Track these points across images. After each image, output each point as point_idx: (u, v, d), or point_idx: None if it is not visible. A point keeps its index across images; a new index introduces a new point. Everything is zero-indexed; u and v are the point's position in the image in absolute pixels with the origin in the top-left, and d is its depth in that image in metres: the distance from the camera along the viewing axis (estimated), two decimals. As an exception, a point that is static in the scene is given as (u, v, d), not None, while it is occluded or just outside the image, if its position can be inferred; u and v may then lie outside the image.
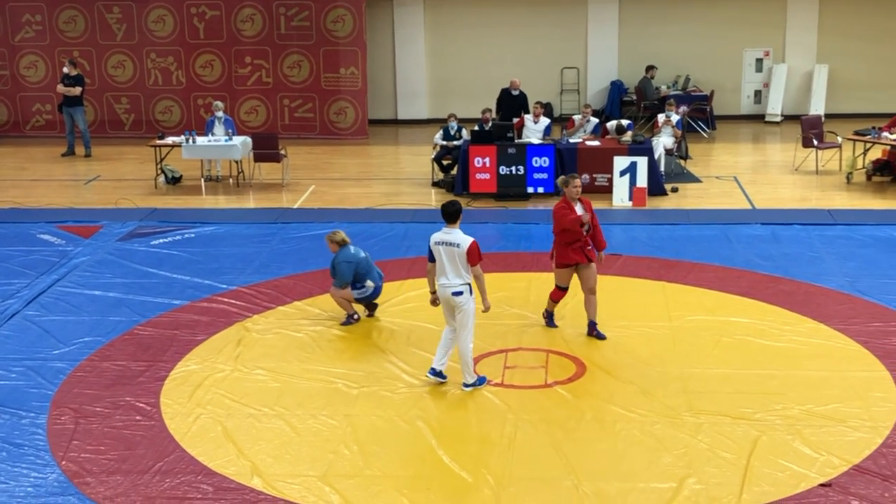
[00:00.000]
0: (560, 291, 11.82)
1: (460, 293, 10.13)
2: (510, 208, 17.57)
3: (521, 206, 17.76)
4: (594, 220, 11.52)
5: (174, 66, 24.44)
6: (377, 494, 8.50)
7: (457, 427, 9.66)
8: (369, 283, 12.26)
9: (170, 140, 19.75)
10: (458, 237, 10.16)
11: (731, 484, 8.52)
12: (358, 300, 12.33)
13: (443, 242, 10.19)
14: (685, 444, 9.23)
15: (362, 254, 12.39)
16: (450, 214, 10.29)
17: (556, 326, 11.95)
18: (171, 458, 9.12)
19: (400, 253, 14.84)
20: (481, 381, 10.45)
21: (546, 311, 12.08)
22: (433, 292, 10.46)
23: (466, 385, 10.36)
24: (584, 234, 11.38)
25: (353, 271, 12.16)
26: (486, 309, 10.45)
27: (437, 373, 10.44)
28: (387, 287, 13.15)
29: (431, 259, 10.33)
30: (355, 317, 12.26)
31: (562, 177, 11.71)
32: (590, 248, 11.54)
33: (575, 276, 11.65)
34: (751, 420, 9.60)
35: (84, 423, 9.80)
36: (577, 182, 11.44)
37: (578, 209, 11.41)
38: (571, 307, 12.63)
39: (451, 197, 18.20)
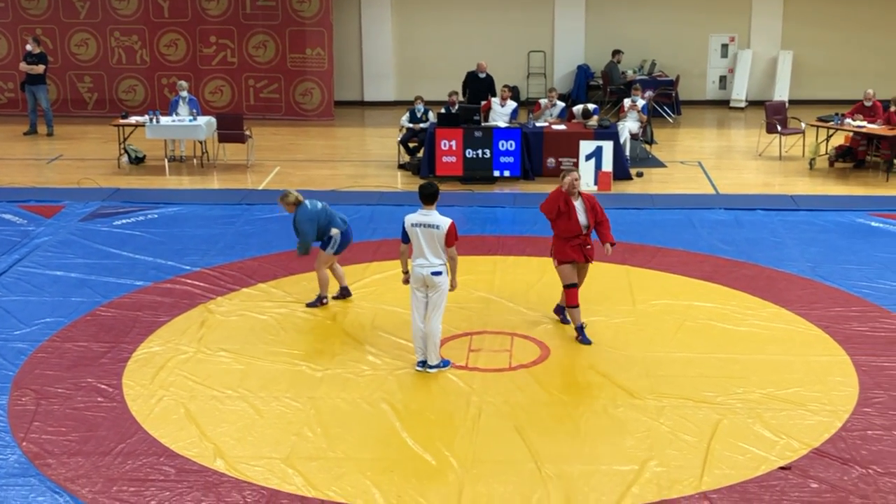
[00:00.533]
0: (571, 290, 11.10)
1: (439, 273, 10.20)
2: (476, 192, 17.58)
3: (487, 190, 17.77)
4: (600, 215, 11.21)
5: (138, 44, 24.24)
6: (340, 477, 8.50)
7: (421, 410, 9.67)
8: (334, 231, 12.08)
9: (133, 119, 19.60)
10: (437, 218, 10.17)
11: (692, 466, 8.59)
12: (338, 254, 12.16)
13: (420, 224, 10.17)
14: (647, 426, 9.29)
15: (319, 205, 12.18)
16: (428, 196, 10.25)
17: (589, 342, 11.06)
18: (133, 439, 9.08)
19: (366, 235, 14.80)
20: (445, 363, 10.46)
21: (558, 306, 11.61)
22: (405, 272, 10.46)
23: (431, 366, 10.38)
24: (583, 232, 11.10)
25: (316, 227, 12.03)
26: (453, 288, 10.45)
27: (423, 363, 10.44)
28: (352, 270, 13.14)
29: (405, 240, 10.29)
30: (324, 300, 12.22)
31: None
32: (589, 247, 11.19)
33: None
34: (712, 403, 9.68)
35: (45, 404, 9.73)
36: (573, 176, 11.15)
37: (578, 207, 11.13)
38: (537, 291, 12.67)
39: (417, 179, 18.23)
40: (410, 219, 10.25)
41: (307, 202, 12.12)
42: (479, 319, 11.76)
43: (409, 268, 10.37)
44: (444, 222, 10.15)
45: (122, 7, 24.01)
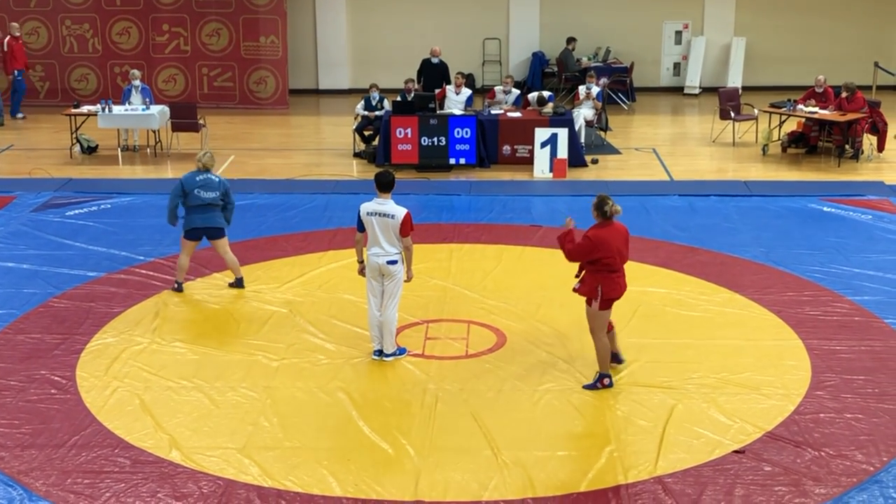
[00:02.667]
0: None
1: (395, 262, 10.15)
2: (432, 179, 17.57)
3: (442, 178, 17.76)
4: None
5: (90, 33, 23.98)
6: (297, 466, 8.48)
7: (377, 398, 9.67)
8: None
9: (85, 109, 19.39)
10: (393, 208, 10.07)
11: (648, 451, 8.65)
12: (189, 240, 12.18)
13: (376, 213, 10.08)
14: (602, 412, 9.35)
15: (199, 177, 11.99)
16: (384, 184, 10.15)
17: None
18: (87, 431, 9.00)
19: (321, 224, 14.76)
20: (401, 351, 10.46)
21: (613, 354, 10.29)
22: (361, 262, 10.39)
23: (387, 355, 10.37)
24: None
25: (174, 196, 11.98)
26: (409, 279, 10.40)
27: (380, 352, 10.40)
28: (308, 258, 13.11)
29: (361, 229, 10.18)
30: (176, 286, 12.27)
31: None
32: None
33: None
34: (667, 388, 9.75)
35: (-3, 397, 9.64)
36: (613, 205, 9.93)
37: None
38: (493, 278, 12.69)
39: (373, 168, 18.20)
40: (366, 207, 10.17)
41: (194, 172, 12.05)
42: (435, 307, 11.77)
43: (365, 257, 10.30)
44: (400, 212, 10.06)
45: (73, -5, 23.76)
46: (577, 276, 9.99)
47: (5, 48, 22.31)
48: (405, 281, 10.40)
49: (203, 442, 8.85)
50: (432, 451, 8.69)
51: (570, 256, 9.77)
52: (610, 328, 10.09)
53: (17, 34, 22.53)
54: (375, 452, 8.70)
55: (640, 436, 8.93)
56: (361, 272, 10.46)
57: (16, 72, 22.37)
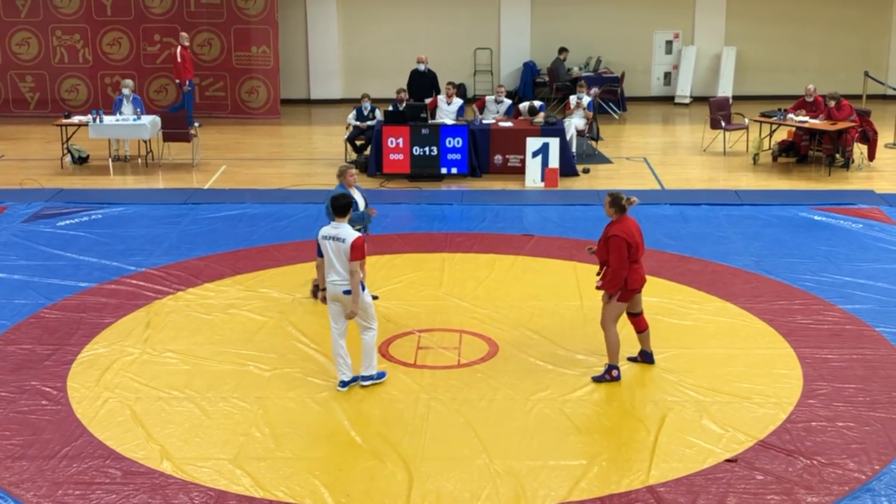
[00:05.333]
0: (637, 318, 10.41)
1: (350, 292, 9.64)
2: (424, 189, 17.57)
3: (434, 187, 17.77)
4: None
5: (81, 43, 23.96)
6: (289, 477, 8.46)
7: (369, 408, 9.65)
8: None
9: (76, 119, 19.37)
10: (345, 232, 9.63)
11: (640, 461, 8.64)
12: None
13: (330, 237, 9.68)
14: (595, 421, 9.35)
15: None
16: (339, 208, 9.73)
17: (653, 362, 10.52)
18: (78, 442, 8.98)
19: (313, 234, 14.55)
20: (380, 375, 10.11)
21: (642, 351, 10.54)
22: (323, 289, 10.00)
23: (364, 377, 9.99)
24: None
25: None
26: (351, 315, 9.73)
27: (346, 383, 9.97)
28: (299, 269, 13.11)
29: (320, 253, 9.92)
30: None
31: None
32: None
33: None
34: (659, 397, 9.75)
35: (-12, 408, 9.60)
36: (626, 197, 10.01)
37: None
38: (485, 287, 12.69)
39: (365, 178, 18.22)
40: (323, 231, 9.79)
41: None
42: (427, 317, 11.76)
43: (328, 284, 9.86)
44: (350, 236, 9.60)
45: (63, 5, 23.72)
46: (598, 274, 10.12)
47: (178, 58, 22.32)
48: (347, 316, 9.77)
49: (194, 453, 8.83)
50: (424, 460, 8.68)
51: (621, 266, 9.83)
52: (644, 327, 10.34)
53: (187, 43, 22.52)
54: (367, 462, 8.68)
55: (633, 445, 8.93)
56: (323, 299, 10.05)
57: (188, 81, 22.46)
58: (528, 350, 10.85)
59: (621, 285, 9.92)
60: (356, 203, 11.67)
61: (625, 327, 10.42)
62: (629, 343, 10.52)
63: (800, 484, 8.26)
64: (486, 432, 9.14)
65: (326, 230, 9.78)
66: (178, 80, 22.54)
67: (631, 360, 10.48)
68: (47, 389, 9.97)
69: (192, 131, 19.27)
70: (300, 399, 9.78)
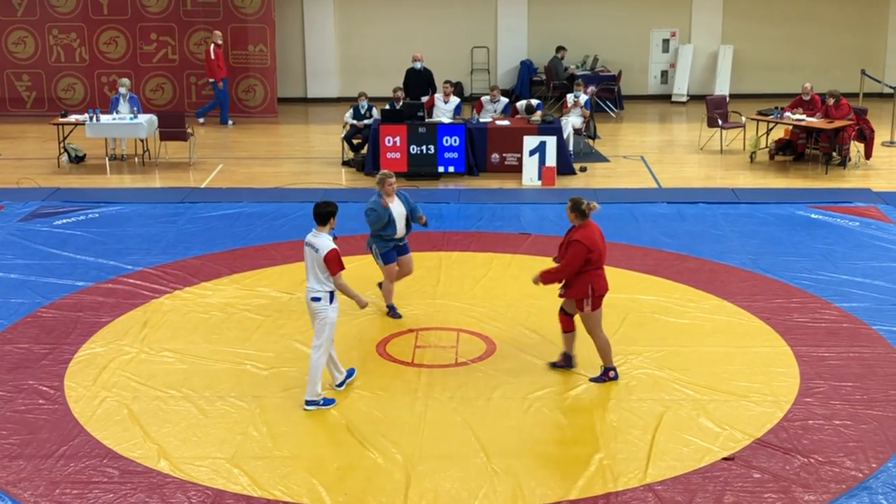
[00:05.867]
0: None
1: (318, 299, 9.41)
2: (421, 188, 17.56)
3: (431, 186, 17.76)
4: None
5: (77, 42, 23.92)
6: (286, 475, 8.46)
7: (366, 407, 9.64)
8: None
9: (73, 118, 19.35)
10: (321, 241, 9.36)
11: (637, 459, 8.65)
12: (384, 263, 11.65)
13: (308, 244, 9.47)
14: (592, 420, 9.35)
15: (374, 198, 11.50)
16: (318, 216, 9.46)
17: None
18: (75, 442, 8.97)
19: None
20: (326, 402, 9.62)
21: (565, 354, 10.43)
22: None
23: (308, 403, 9.56)
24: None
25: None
26: (362, 305, 9.73)
27: (350, 373, 10.03)
28: (296, 267, 13.07)
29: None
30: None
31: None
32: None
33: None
34: (656, 396, 9.76)
35: (-15, 407, 9.60)
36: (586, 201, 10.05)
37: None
38: (482, 286, 12.70)
39: (362, 176, 18.23)
40: (307, 236, 9.54)
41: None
42: (424, 315, 11.76)
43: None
44: (325, 247, 9.30)
45: (60, 4, 23.68)
46: (560, 282, 10.00)
47: (212, 56, 22.42)
48: (360, 307, 9.73)
49: (192, 452, 8.83)
50: (422, 459, 8.68)
51: (569, 268, 9.77)
52: (571, 328, 10.20)
53: (220, 42, 22.65)
54: (365, 461, 8.68)
55: (630, 443, 8.93)
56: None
57: (221, 80, 22.61)
58: (525, 349, 10.86)
59: (556, 280, 9.87)
60: (392, 218, 11.36)
61: (619, 329, 10.41)
62: (584, 351, 10.51)
63: (797, 482, 8.27)
64: (484, 431, 9.15)
65: (308, 236, 9.51)
66: (211, 79, 22.68)
67: (553, 365, 10.33)
68: (44, 388, 9.97)
69: (190, 130, 19.25)
70: (297, 398, 9.76)
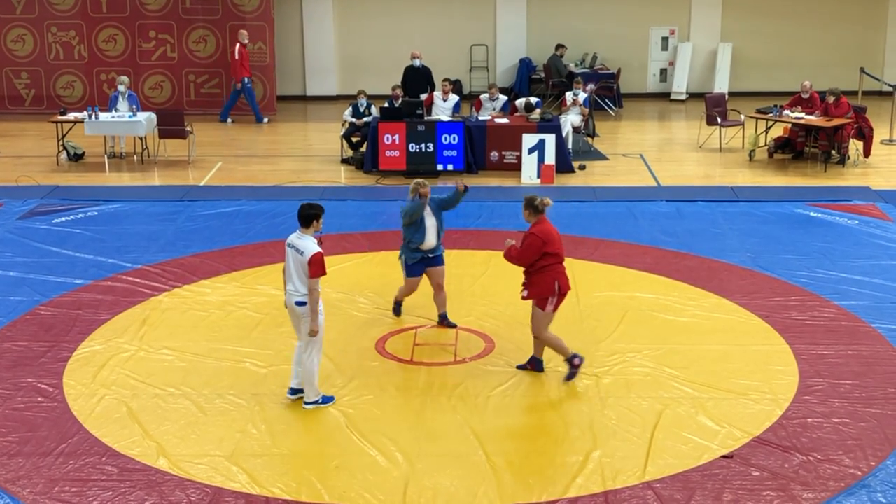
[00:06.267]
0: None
1: (304, 303, 9.30)
2: (419, 185, 17.53)
3: (430, 184, 17.65)
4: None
5: (76, 40, 23.90)
6: (285, 473, 8.47)
7: (365, 404, 9.64)
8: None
9: (72, 116, 19.34)
10: (306, 244, 9.24)
11: (636, 457, 8.65)
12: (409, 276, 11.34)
13: (292, 246, 9.33)
14: (591, 418, 9.35)
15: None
16: (302, 218, 9.35)
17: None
18: (74, 439, 8.98)
19: (308, 230, 14.72)
20: (326, 400, 9.64)
21: (534, 358, 10.39)
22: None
23: (308, 403, 9.55)
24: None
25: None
26: (312, 333, 9.34)
27: (295, 391, 9.70)
28: (295, 265, 13.07)
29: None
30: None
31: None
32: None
33: None
34: (655, 394, 9.76)
35: (-16, 405, 9.60)
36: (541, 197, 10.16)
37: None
38: (481, 284, 12.69)
39: (361, 174, 18.23)
40: (289, 238, 9.42)
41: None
42: (423, 313, 11.75)
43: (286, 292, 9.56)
44: (310, 250, 9.17)
45: (59, 2, 23.64)
46: (522, 284, 9.98)
47: (237, 56, 22.50)
48: (310, 334, 9.38)
49: (191, 449, 8.83)
50: (421, 457, 8.69)
51: (523, 258, 9.87)
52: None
53: (246, 41, 22.76)
54: (364, 459, 8.68)
55: (629, 441, 8.93)
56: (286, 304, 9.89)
57: (244, 79, 22.66)
58: (524, 347, 10.83)
59: (513, 260, 9.92)
60: (424, 224, 11.05)
61: (618, 328, 10.40)
62: (584, 352, 10.50)
63: (796, 480, 8.28)
64: (483, 429, 9.15)
65: (291, 237, 9.39)
66: (233, 78, 22.75)
67: (521, 367, 10.30)
68: (43, 386, 9.97)
69: (189, 127, 19.25)
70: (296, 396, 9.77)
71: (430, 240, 11.07)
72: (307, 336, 9.39)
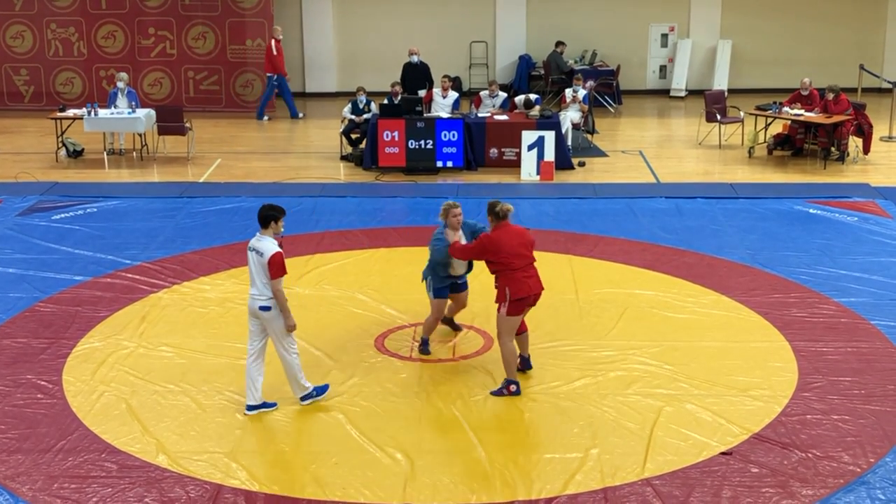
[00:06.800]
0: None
1: (268, 308, 9.15)
2: (419, 182, 17.56)
3: (430, 181, 17.75)
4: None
5: (75, 36, 23.89)
6: (285, 470, 8.47)
7: (365, 402, 9.64)
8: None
9: (71, 112, 19.34)
10: (265, 245, 9.06)
11: (635, 453, 8.66)
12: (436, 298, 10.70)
13: (252, 249, 9.16)
14: (590, 414, 9.35)
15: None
16: (261, 219, 9.15)
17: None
18: (73, 436, 8.98)
19: (308, 227, 14.75)
20: (319, 390, 9.54)
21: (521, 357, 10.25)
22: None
23: (303, 399, 9.47)
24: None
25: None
26: (290, 329, 9.24)
27: (253, 407, 9.41)
28: (295, 262, 13.08)
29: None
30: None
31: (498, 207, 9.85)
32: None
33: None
34: (654, 391, 9.76)
35: (-17, 402, 9.60)
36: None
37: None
38: (480, 281, 12.67)
39: (360, 171, 18.24)
40: (250, 241, 9.27)
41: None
42: (423, 310, 11.69)
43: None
44: (269, 251, 9.01)
45: (58, -2, 23.68)
46: (495, 286, 9.87)
47: (274, 51, 22.56)
48: (287, 331, 9.28)
49: (190, 446, 8.83)
50: (420, 454, 8.69)
51: (463, 253, 10.01)
52: (522, 329, 10.05)
53: (280, 37, 22.88)
54: (363, 456, 8.68)
55: (628, 438, 8.94)
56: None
57: (279, 76, 22.79)
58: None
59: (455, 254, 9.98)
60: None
61: (617, 324, 10.38)
62: (585, 352, 10.51)
63: (795, 477, 8.28)
64: (482, 425, 9.15)
65: (252, 241, 9.23)
66: (269, 74, 22.83)
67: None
68: (43, 383, 9.97)
69: (188, 124, 19.25)
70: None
71: (458, 268, 10.57)
72: (279, 335, 9.23)
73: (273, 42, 22.67)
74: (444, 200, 16.02)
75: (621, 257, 13.43)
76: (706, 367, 10.24)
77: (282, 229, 9.27)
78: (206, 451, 8.74)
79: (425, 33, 24.90)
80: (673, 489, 8.12)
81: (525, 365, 10.21)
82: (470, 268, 10.66)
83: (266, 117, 23.15)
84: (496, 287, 9.80)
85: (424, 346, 10.65)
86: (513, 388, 9.74)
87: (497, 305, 9.76)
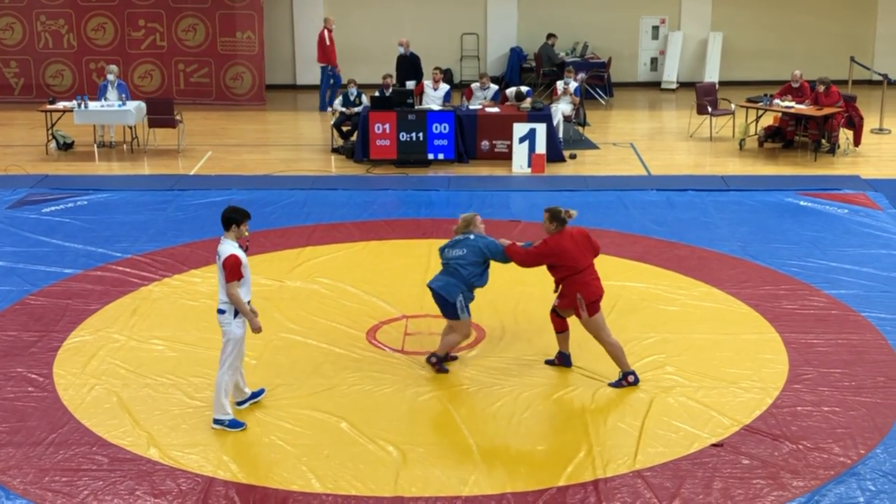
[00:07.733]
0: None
1: (222, 311, 8.88)
2: (410, 175, 17.55)
3: (421, 173, 17.74)
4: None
5: (65, 28, 23.80)
6: (276, 463, 8.47)
7: (356, 394, 9.65)
8: None
9: (61, 105, 19.27)
10: (223, 248, 8.82)
11: (626, 446, 8.67)
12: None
13: (217, 252, 8.96)
14: (581, 407, 9.37)
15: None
16: (222, 221, 8.91)
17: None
18: (64, 429, 8.96)
19: (299, 220, 14.73)
20: (233, 425, 8.98)
21: (562, 353, 10.28)
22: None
23: (216, 422, 8.98)
24: None
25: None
26: (256, 330, 8.99)
27: (253, 395, 9.43)
28: (287, 254, 13.08)
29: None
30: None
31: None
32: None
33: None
34: (645, 383, 9.77)
35: (-27, 395, 9.57)
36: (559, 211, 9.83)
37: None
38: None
39: (352, 163, 18.21)
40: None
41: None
42: (414, 303, 11.75)
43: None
44: (224, 252, 8.76)
45: (47, -10, 23.59)
46: (555, 292, 9.93)
47: (327, 42, 22.49)
48: (254, 332, 9.03)
49: (181, 439, 8.83)
50: (412, 446, 8.69)
51: (526, 260, 9.86)
52: (564, 328, 10.08)
53: (333, 27, 22.76)
54: (355, 448, 8.69)
55: (619, 430, 8.95)
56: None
57: (331, 66, 22.75)
58: (515, 336, 10.87)
59: (513, 258, 9.87)
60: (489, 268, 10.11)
61: (608, 317, 10.39)
62: (583, 352, 10.51)
63: (785, 468, 8.30)
64: (474, 418, 9.16)
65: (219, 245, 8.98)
66: (325, 64, 22.76)
67: (548, 363, 10.24)
68: (33, 376, 9.95)
69: (178, 117, 19.20)
70: (286, 386, 9.77)
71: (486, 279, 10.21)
72: (224, 349, 8.95)
73: (326, 32, 22.55)
74: (435, 192, 16.19)
75: (612, 250, 13.41)
76: (697, 359, 10.26)
77: (246, 233, 9.01)
78: (197, 444, 8.73)
79: (416, 25, 24.85)
80: (664, 481, 8.14)
81: (565, 361, 10.18)
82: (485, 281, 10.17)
83: (329, 108, 22.89)
84: (560, 292, 9.79)
85: (440, 365, 10.09)
86: (631, 378, 9.74)
87: (575, 311, 9.71)
